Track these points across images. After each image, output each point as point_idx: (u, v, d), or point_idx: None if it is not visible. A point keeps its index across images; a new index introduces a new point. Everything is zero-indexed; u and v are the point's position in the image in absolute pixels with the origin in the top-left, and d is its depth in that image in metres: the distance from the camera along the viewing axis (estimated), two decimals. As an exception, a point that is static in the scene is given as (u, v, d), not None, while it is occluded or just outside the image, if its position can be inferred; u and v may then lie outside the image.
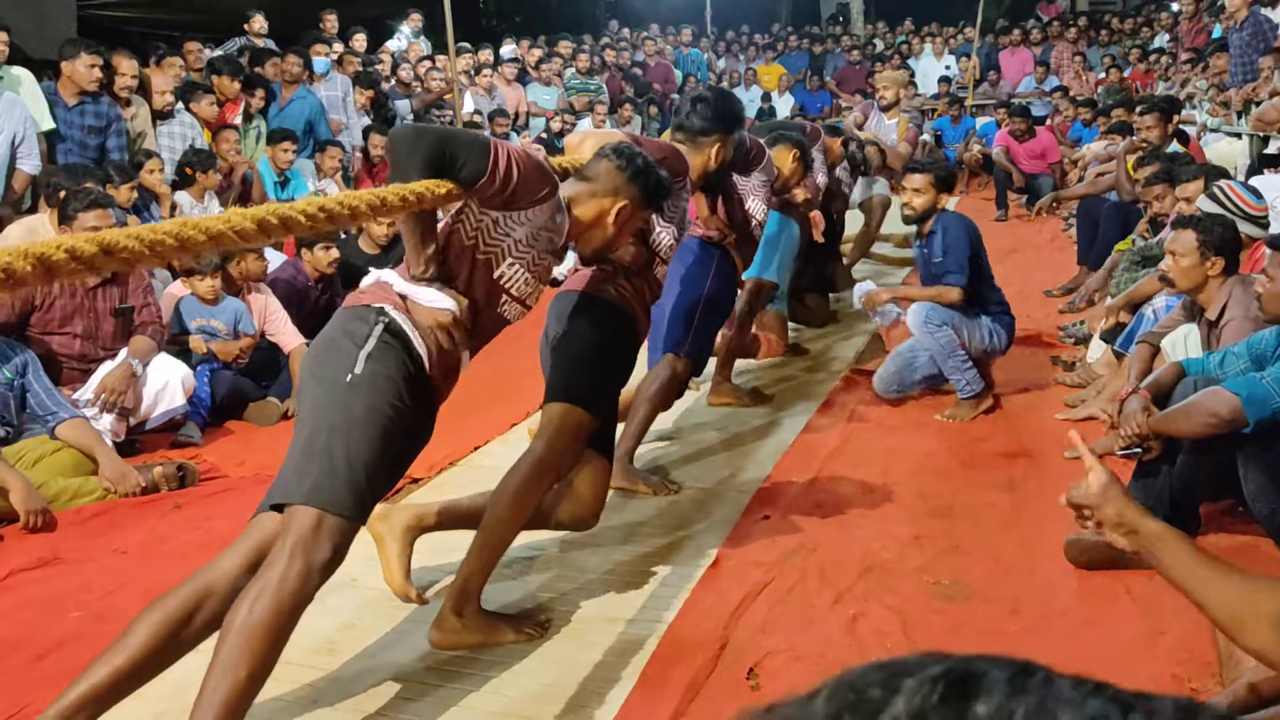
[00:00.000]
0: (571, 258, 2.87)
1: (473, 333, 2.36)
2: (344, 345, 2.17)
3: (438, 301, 2.25)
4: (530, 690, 2.41)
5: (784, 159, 4.57)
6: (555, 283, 2.99)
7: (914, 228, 4.49)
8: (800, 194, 4.88)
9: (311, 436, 2.08)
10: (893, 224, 7.61)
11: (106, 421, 4.05)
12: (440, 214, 2.48)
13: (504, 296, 2.39)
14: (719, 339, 4.42)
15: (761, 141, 4.12)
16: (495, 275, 2.35)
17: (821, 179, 5.20)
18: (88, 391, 4.10)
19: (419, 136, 2.21)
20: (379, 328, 2.19)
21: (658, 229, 2.99)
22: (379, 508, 2.52)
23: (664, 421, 4.08)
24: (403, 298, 2.26)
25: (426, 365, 2.25)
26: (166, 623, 1.99)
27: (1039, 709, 0.48)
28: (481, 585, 2.61)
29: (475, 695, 2.40)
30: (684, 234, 3.09)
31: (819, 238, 5.20)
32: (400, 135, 2.26)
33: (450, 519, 2.76)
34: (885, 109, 7.53)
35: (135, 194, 5.49)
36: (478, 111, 9.56)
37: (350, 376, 2.12)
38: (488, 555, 2.60)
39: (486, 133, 9.09)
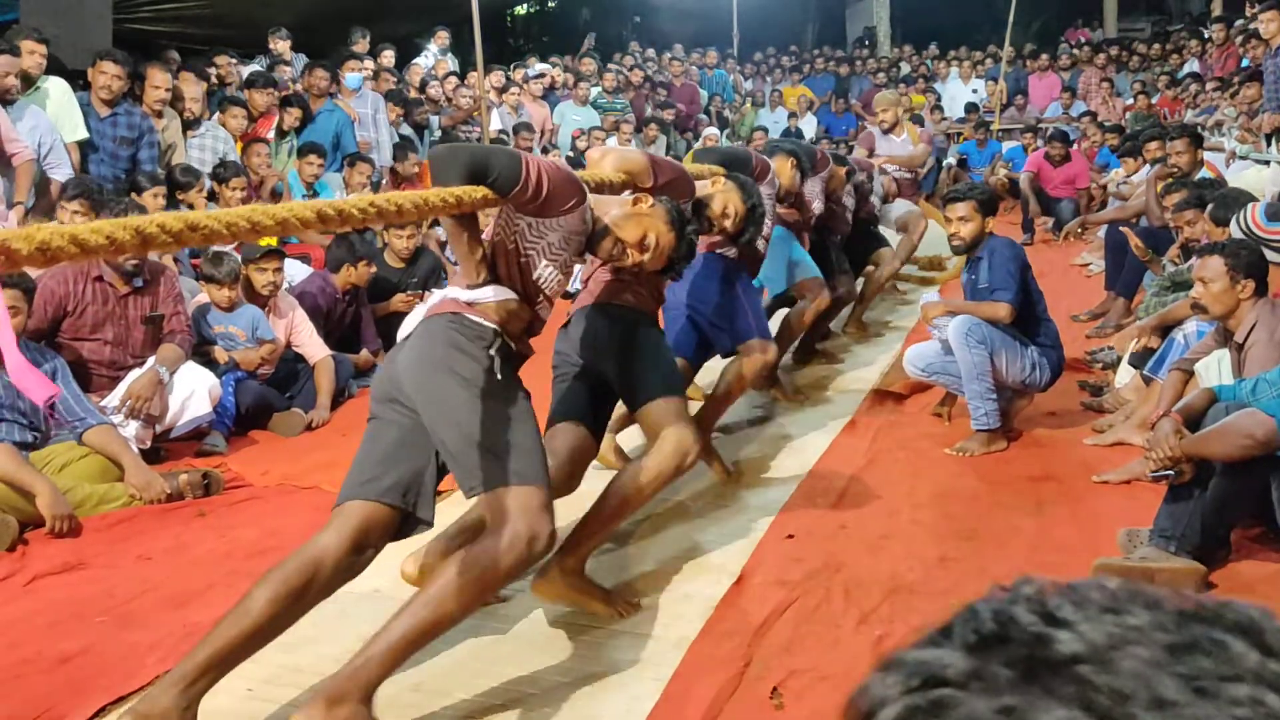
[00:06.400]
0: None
1: (524, 333, 2.52)
2: (472, 349, 2.34)
3: (502, 294, 2.41)
4: (551, 704, 2.40)
5: (783, 168, 4.68)
6: (568, 295, 3.13)
7: (930, 247, 4.46)
8: (786, 212, 4.96)
9: (472, 433, 2.23)
10: (923, 244, 7.57)
11: (133, 428, 4.08)
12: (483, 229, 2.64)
13: (540, 296, 2.52)
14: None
15: (764, 157, 4.27)
16: (534, 277, 2.49)
17: (818, 205, 5.23)
18: (115, 398, 4.13)
19: (457, 151, 2.43)
20: (499, 340, 2.38)
21: None
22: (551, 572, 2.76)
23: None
24: (471, 305, 2.40)
25: (517, 364, 2.48)
26: (286, 591, 2.16)
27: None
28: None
29: (496, 708, 2.39)
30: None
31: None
32: (440, 152, 2.46)
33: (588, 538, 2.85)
34: (888, 131, 7.38)
35: (164, 201, 5.54)
36: (504, 131, 9.61)
37: (488, 379, 2.32)
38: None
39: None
